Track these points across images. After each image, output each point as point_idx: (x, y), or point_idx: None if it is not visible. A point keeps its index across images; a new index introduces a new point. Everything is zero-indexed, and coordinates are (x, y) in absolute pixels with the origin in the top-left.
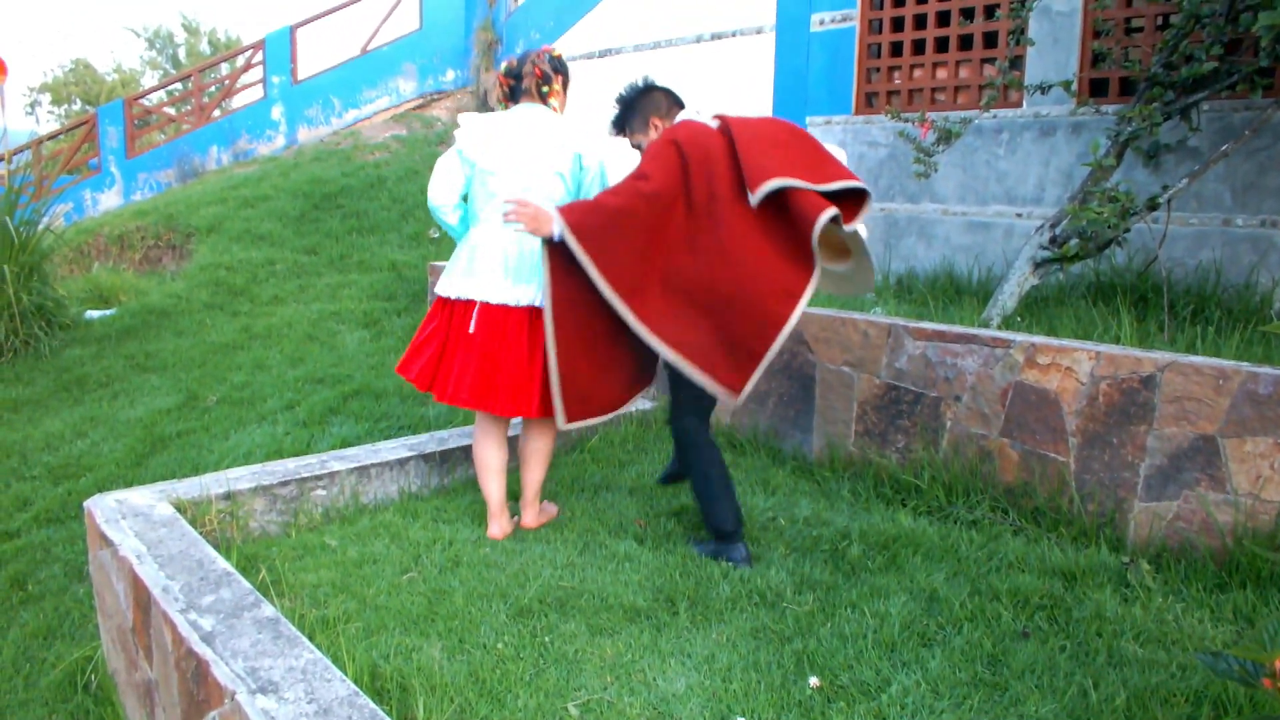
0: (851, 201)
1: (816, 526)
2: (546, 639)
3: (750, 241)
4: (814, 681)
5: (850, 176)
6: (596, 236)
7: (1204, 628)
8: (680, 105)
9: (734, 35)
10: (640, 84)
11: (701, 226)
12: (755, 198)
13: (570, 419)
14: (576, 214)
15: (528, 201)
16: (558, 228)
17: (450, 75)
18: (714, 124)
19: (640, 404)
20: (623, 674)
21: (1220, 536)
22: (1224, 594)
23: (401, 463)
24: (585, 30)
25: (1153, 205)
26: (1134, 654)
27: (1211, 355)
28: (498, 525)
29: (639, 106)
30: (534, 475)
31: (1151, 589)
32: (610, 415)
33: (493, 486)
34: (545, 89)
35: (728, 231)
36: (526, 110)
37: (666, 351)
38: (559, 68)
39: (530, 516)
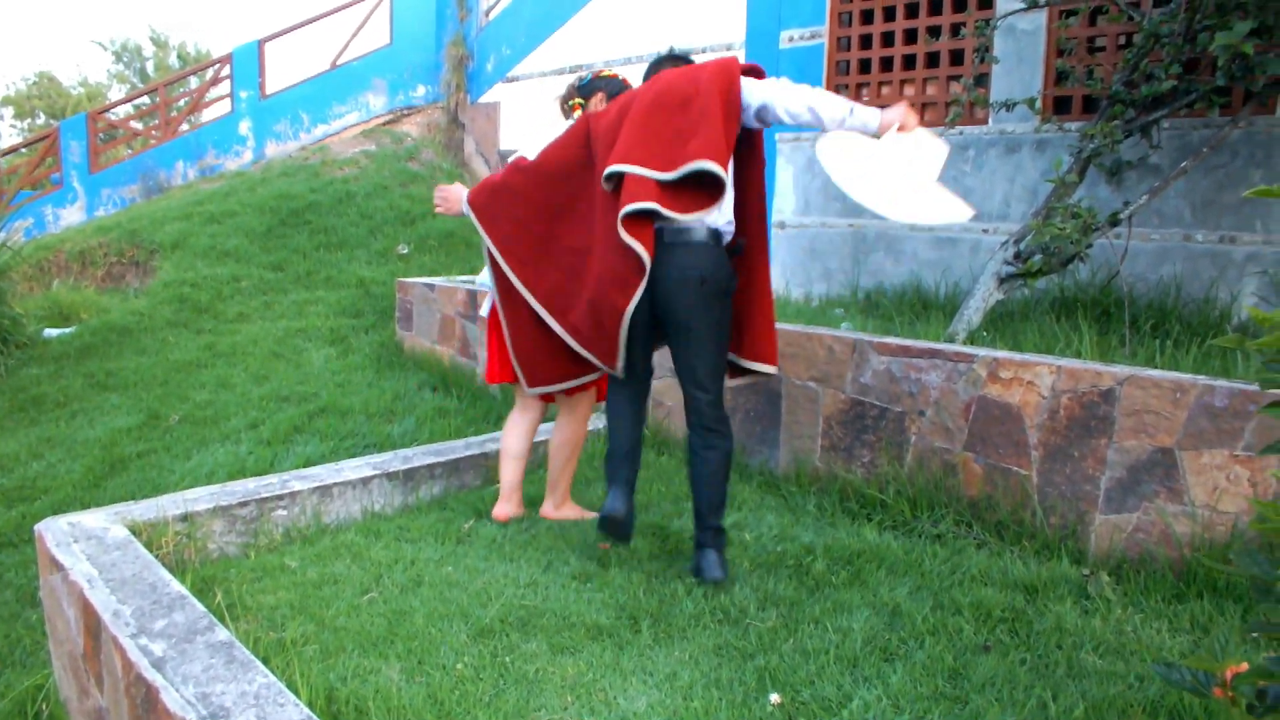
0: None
1: (782, 542)
2: (507, 659)
3: (609, 222)
4: (775, 698)
5: (715, 154)
6: (485, 209)
7: (1162, 638)
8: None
9: (704, 51)
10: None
11: (590, 202)
12: (603, 184)
13: (531, 384)
14: (474, 191)
15: (446, 186)
16: (466, 205)
17: (421, 91)
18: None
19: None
20: (583, 693)
21: (1178, 547)
22: (1182, 604)
23: (365, 482)
24: (556, 45)
25: (1114, 221)
26: (1093, 665)
27: (1169, 369)
28: (503, 507)
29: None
30: (553, 465)
31: (1111, 600)
32: (573, 383)
33: (507, 470)
34: (570, 103)
35: (600, 210)
36: (566, 124)
37: (555, 325)
38: (597, 86)
39: (548, 506)
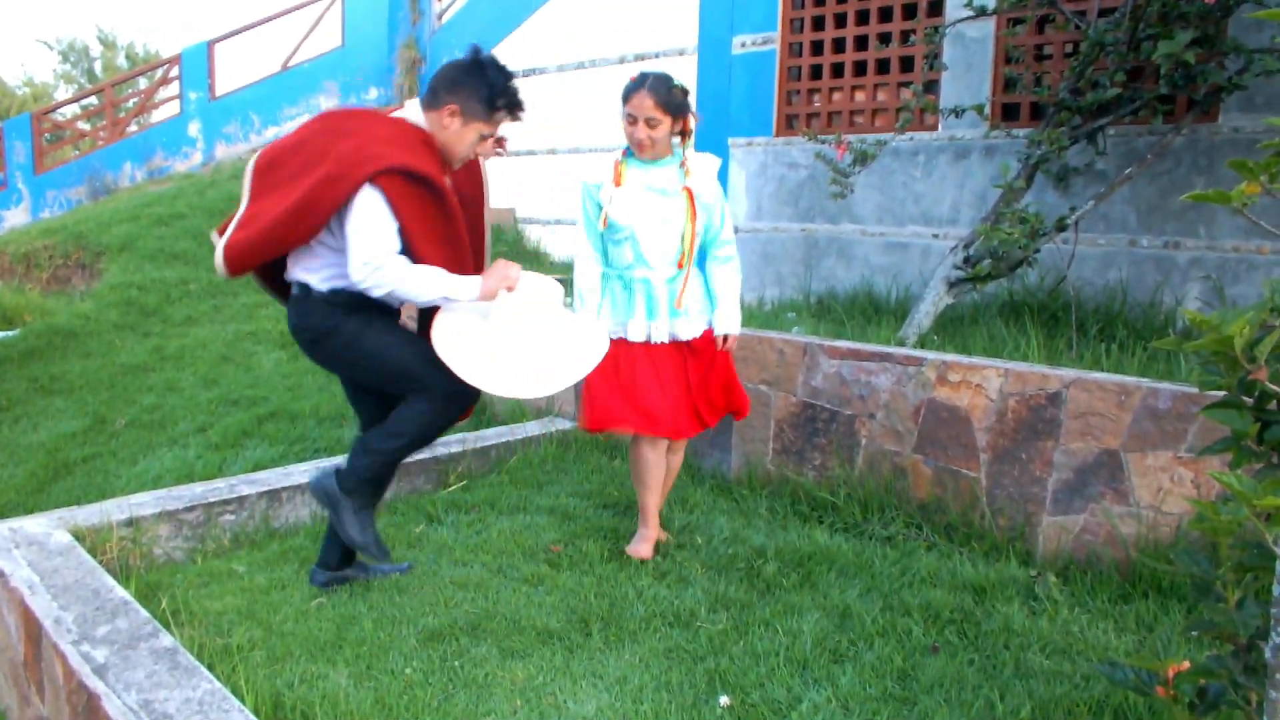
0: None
1: (733, 545)
2: (456, 663)
3: None
4: (724, 700)
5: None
6: None
7: (1108, 638)
8: None
9: (657, 56)
10: None
11: None
12: None
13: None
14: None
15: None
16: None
17: (374, 93)
18: None
19: (560, 424)
20: (533, 697)
21: (1124, 548)
22: (1127, 604)
23: None
24: (510, 49)
25: (1061, 226)
26: (1040, 665)
27: (1115, 372)
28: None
29: None
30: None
31: (1058, 601)
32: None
33: (655, 499)
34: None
35: None
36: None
37: None
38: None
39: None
